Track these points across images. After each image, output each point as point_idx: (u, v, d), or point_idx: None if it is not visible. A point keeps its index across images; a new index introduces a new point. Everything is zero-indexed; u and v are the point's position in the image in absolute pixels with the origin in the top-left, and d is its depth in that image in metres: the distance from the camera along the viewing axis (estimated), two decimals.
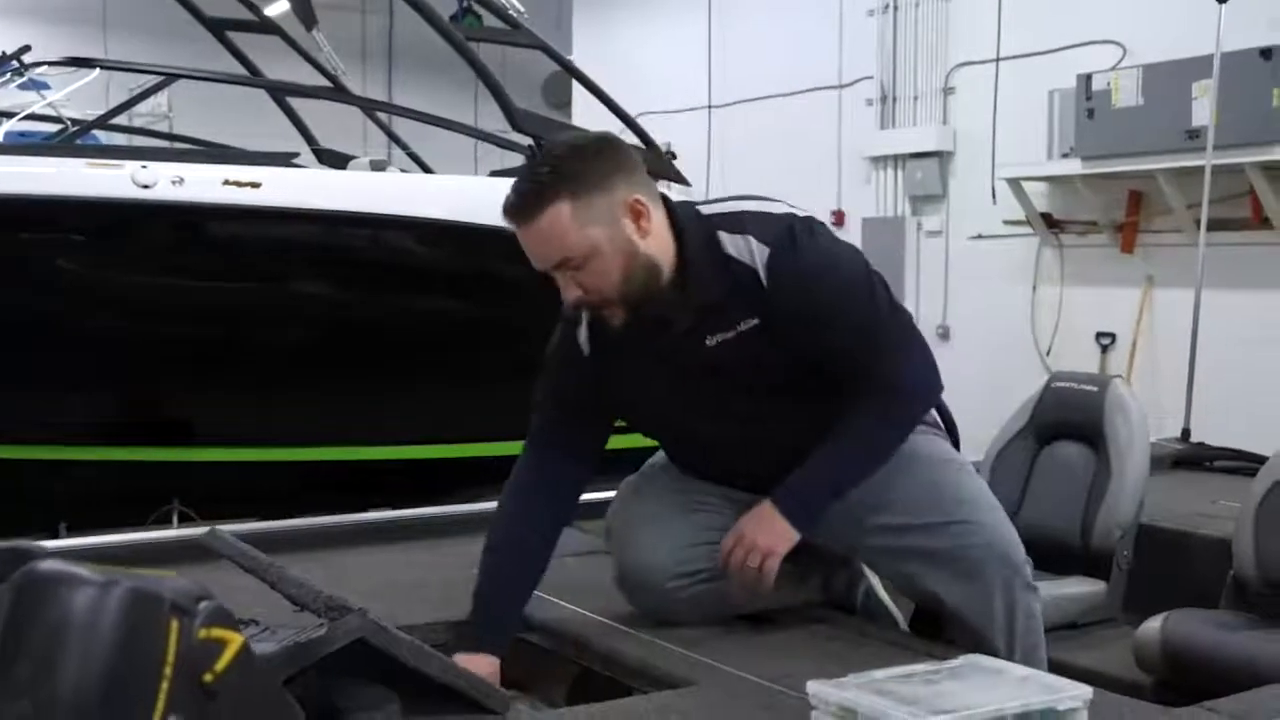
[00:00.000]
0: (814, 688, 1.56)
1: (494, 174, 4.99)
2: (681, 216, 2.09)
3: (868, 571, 2.44)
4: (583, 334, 2.18)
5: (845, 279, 2.09)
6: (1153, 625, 2.61)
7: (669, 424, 2.26)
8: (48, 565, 1.21)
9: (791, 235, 2.05)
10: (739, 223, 2.07)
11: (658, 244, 2.04)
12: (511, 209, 2.01)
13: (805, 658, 2.03)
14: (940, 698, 1.46)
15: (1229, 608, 2.73)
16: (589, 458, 2.22)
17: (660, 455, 2.41)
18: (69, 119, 5.48)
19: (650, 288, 2.04)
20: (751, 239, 2.04)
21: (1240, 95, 5.32)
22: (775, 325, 2.05)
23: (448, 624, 2.20)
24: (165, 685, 1.15)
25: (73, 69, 5.26)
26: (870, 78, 7.82)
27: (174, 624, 1.17)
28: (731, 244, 2.05)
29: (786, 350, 2.08)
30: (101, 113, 5.58)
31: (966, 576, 2.13)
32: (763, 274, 2.03)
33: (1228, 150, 5.32)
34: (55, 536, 3.73)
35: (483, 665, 1.98)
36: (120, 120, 5.93)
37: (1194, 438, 4.57)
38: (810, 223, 2.09)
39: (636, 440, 2.37)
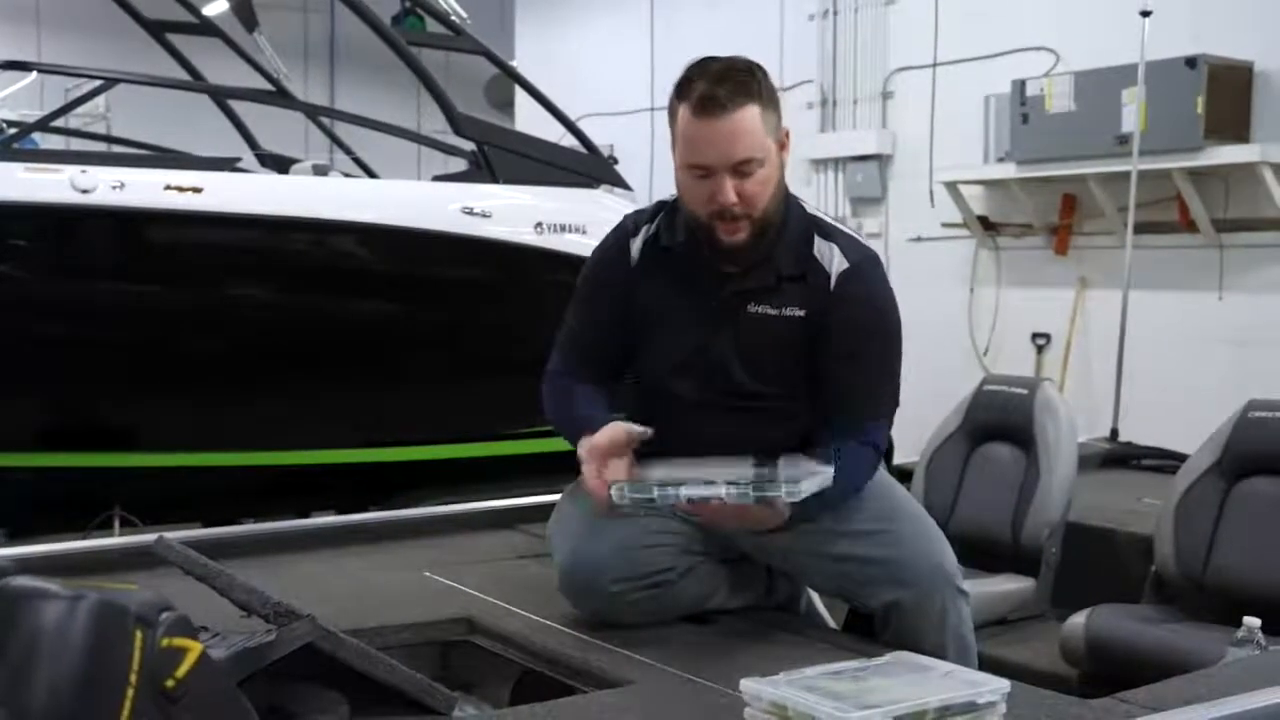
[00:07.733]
0: (747, 685, 1.61)
1: (437, 178, 5.00)
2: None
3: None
4: (637, 243, 2.29)
5: (893, 325, 2.30)
6: (1077, 620, 2.71)
7: (668, 363, 2.29)
8: (21, 581, 1.25)
9: (871, 263, 2.28)
10: (832, 232, 2.28)
11: (783, 186, 2.21)
12: (711, 101, 2.11)
13: (743, 657, 2.08)
14: (867, 693, 1.52)
15: (1150, 602, 2.84)
16: (606, 382, 2.34)
17: None
18: (4, 122, 5.41)
19: (775, 219, 2.20)
20: (836, 249, 2.25)
21: (1166, 102, 5.45)
22: (817, 324, 2.22)
23: (395, 627, 2.24)
24: (130, 691, 1.20)
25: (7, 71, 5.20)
26: (811, 81, 7.89)
27: (138, 634, 1.23)
28: (820, 243, 2.25)
29: (807, 351, 2.24)
30: (37, 114, 5.51)
31: (900, 584, 2.20)
32: (833, 280, 2.22)
33: (1155, 155, 5.45)
34: None
35: (610, 431, 2.09)
36: (57, 122, 5.86)
37: (1123, 436, 4.69)
38: (879, 261, 2.32)
39: None
